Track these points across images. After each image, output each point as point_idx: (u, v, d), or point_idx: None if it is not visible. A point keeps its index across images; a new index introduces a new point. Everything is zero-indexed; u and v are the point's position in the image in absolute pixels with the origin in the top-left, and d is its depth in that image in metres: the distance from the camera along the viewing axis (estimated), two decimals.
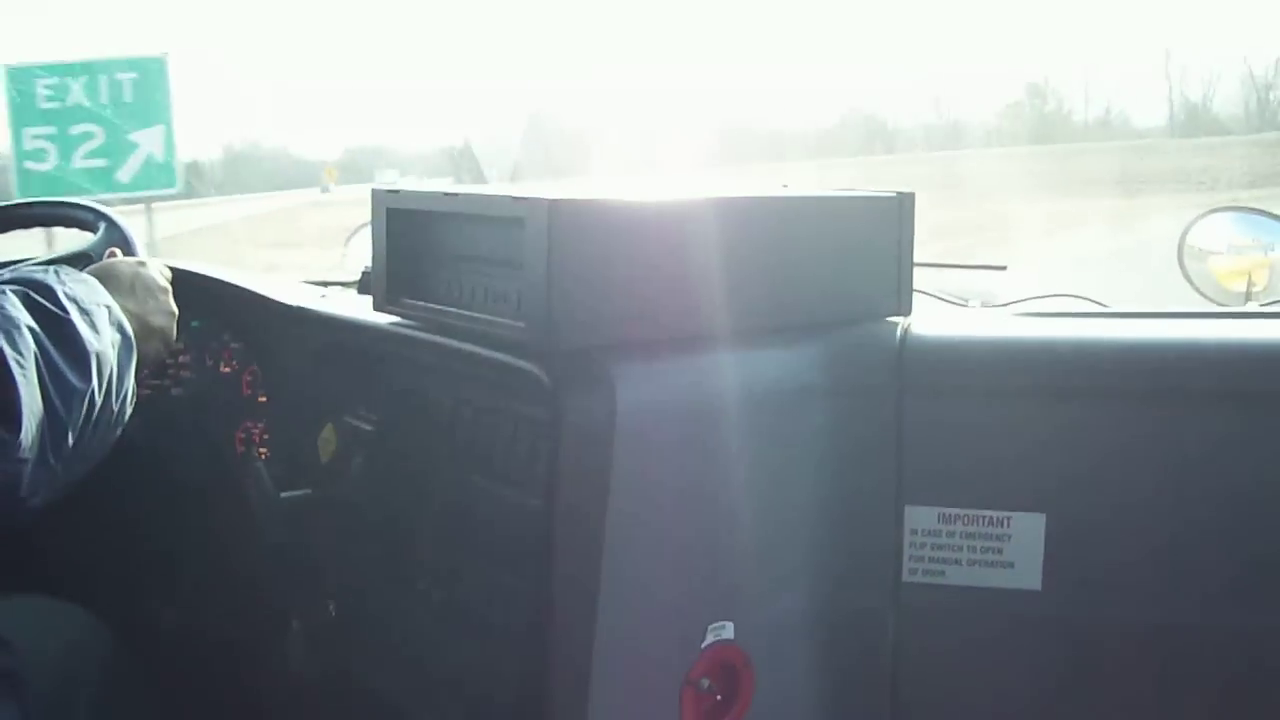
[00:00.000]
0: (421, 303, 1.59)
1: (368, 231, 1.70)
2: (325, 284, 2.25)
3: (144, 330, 1.53)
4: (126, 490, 1.94)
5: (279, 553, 1.82)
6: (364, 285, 1.86)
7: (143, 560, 2.11)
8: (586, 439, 1.33)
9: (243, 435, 2.15)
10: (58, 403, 1.29)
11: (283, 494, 1.70)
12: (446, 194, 1.54)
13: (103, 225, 1.95)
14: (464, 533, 1.59)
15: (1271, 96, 27.77)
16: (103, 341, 1.38)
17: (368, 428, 1.64)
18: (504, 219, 1.42)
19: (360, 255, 2.24)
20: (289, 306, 1.97)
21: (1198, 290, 2.15)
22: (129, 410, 1.44)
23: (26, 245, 2.20)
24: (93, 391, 1.34)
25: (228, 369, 2.18)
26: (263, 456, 2.10)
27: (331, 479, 1.71)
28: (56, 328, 1.33)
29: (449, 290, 1.55)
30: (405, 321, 1.62)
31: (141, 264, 1.64)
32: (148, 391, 2.17)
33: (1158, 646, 1.52)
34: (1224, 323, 1.63)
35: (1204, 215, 2.21)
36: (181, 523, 2.04)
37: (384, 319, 1.66)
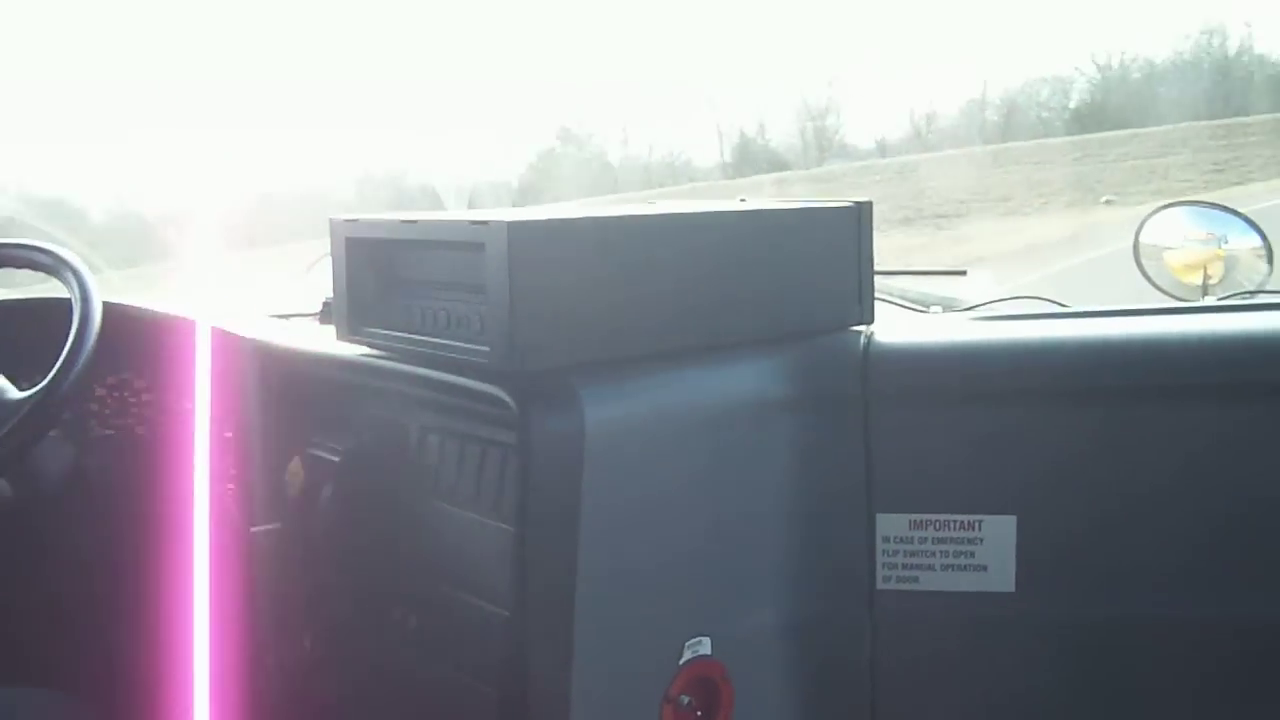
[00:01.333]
0: (384, 331, 1.58)
1: (328, 261, 1.70)
2: (287, 316, 2.24)
3: None
4: (94, 533, 1.93)
5: (251, 588, 1.81)
6: (326, 315, 1.86)
7: (113, 603, 2.09)
8: (555, 460, 1.33)
9: (209, 471, 2.14)
10: None
11: (253, 529, 1.69)
12: (405, 221, 1.53)
13: (65, 272, 1.92)
14: (436, 560, 1.58)
15: (827, 124, 27.73)
16: None
17: (335, 459, 1.63)
18: (463, 244, 1.42)
19: (321, 285, 2.23)
20: (252, 340, 1.96)
21: (1155, 286, 2.16)
22: None
23: None
24: None
25: (191, 404, 2.16)
26: (230, 492, 2.08)
27: (301, 512, 1.70)
28: None
29: (411, 317, 1.55)
30: (369, 350, 1.62)
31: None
32: (111, 432, 2.16)
33: (1133, 643, 1.52)
34: (1183, 318, 1.64)
35: (1157, 210, 2.23)
36: (151, 563, 2.03)
37: (347, 349, 1.66)
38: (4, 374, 1.87)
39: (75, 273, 1.84)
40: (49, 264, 1.91)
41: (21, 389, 1.77)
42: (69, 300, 1.81)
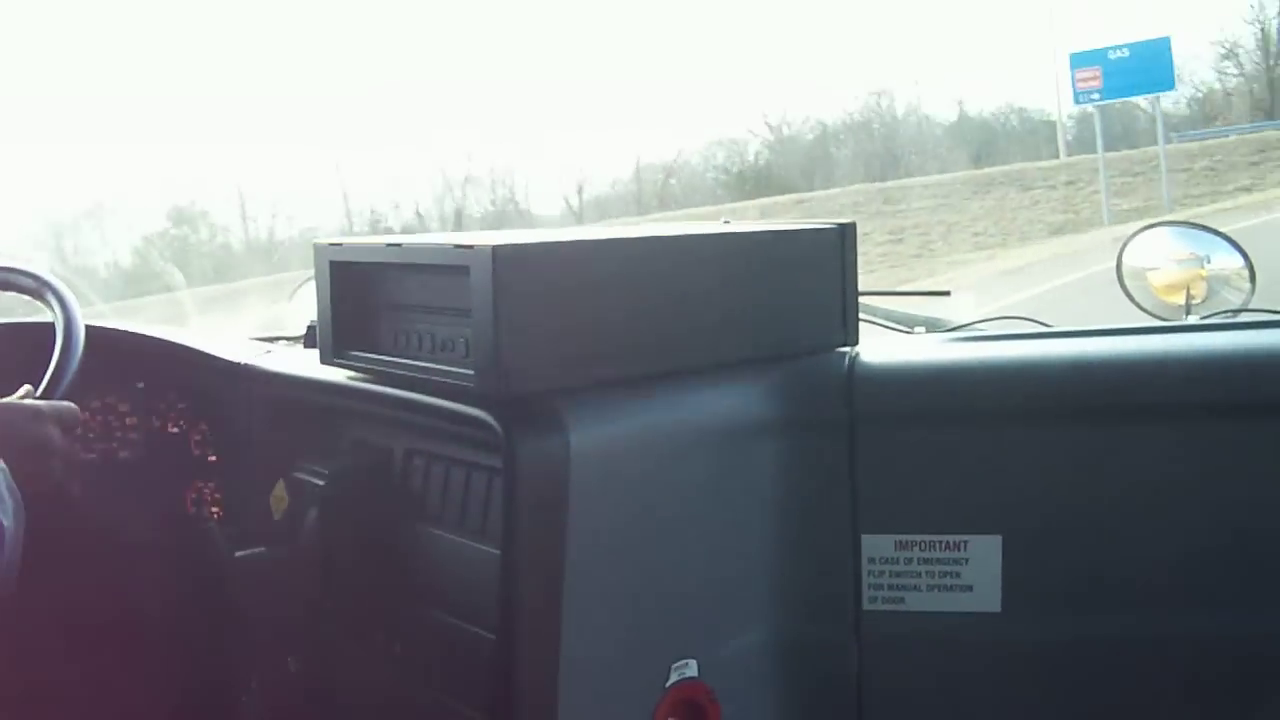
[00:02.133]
0: (369, 354, 1.58)
1: (312, 285, 1.70)
2: (272, 339, 2.23)
3: (21, 489, 1.42)
4: (77, 557, 1.92)
5: (236, 612, 1.80)
6: (310, 339, 1.85)
7: (99, 628, 2.08)
8: (541, 483, 1.33)
9: (193, 495, 2.14)
10: None
11: (237, 553, 1.69)
12: (390, 244, 1.54)
13: (47, 294, 1.91)
14: (422, 583, 1.58)
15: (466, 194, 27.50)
16: (14, 520, 1.36)
17: (319, 483, 1.63)
18: (448, 267, 1.42)
19: (305, 309, 2.23)
20: (235, 364, 1.96)
21: (1137, 305, 2.17)
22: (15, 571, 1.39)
23: None
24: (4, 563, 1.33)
25: (175, 429, 2.16)
26: (215, 516, 2.08)
27: (285, 536, 1.70)
28: None
29: (396, 341, 1.55)
30: (353, 374, 1.62)
31: (36, 415, 1.54)
32: (94, 456, 2.16)
33: (1119, 662, 1.53)
34: (1166, 337, 1.65)
35: (1140, 231, 2.23)
36: (136, 587, 2.02)
37: (331, 373, 1.65)
38: None
39: (58, 295, 1.83)
40: (31, 286, 1.90)
41: None
42: (51, 324, 1.80)
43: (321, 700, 1.75)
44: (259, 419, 1.90)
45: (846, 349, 1.63)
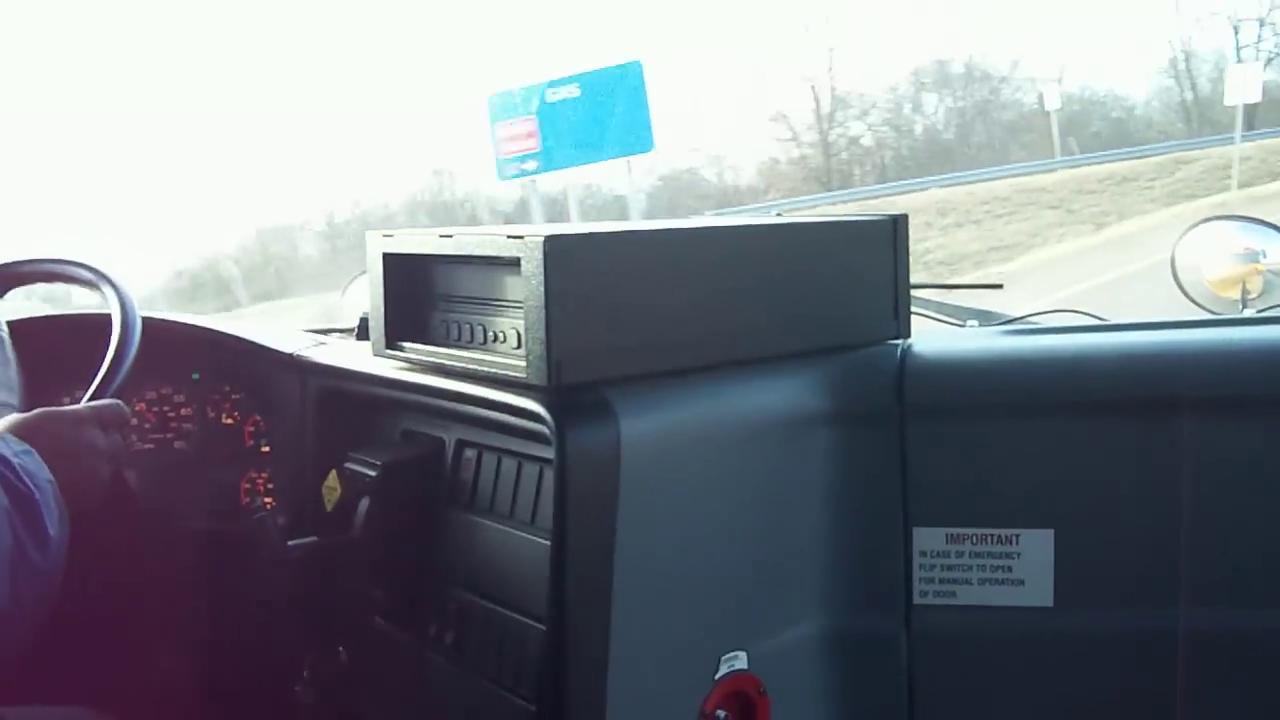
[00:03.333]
0: (421, 345, 1.59)
1: (365, 279, 1.71)
2: (325, 331, 2.25)
3: (71, 495, 1.45)
4: (133, 547, 1.94)
5: (289, 601, 1.82)
6: (363, 331, 1.87)
7: (155, 617, 2.10)
8: (591, 473, 1.33)
9: (247, 485, 2.16)
10: (22, 583, 1.29)
11: (290, 543, 1.70)
12: (442, 235, 1.54)
13: (105, 287, 1.93)
14: (473, 573, 1.59)
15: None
16: (58, 527, 1.37)
17: (371, 473, 1.64)
18: (500, 259, 1.43)
19: (358, 302, 2.25)
20: (288, 355, 1.98)
21: (1193, 300, 2.15)
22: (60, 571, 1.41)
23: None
24: (51, 571, 1.34)
25: (230, 420, 2.18)
26: (268, 506, 2.10)
27: (338, 526, 1.71)
28: (29, 510, 1.33)
29: (448, 332, 1.56)
30: (405, 365, 1.62)
31: (78, 421, 1.55)
32: (150, 446, 2.18)
33: (1172, 656, 1.51)
34: (1221, 330, 1.63)
35: (1195, 225, 2.22)
36: (190, 576, 2.04)
37: (383, 364, 1.66)
38: (48, 387, 1.89)
39: (115, 286, 1.86)
40: (89, 279, 1.92)
41: (63, 403, 1.79)
42: (108, 315, 1.82)
43: (372, 690, 1.76)
44: (312, 410, 1.91)
45: (898, 341, 1.62)
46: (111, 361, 1.75)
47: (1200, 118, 31.69)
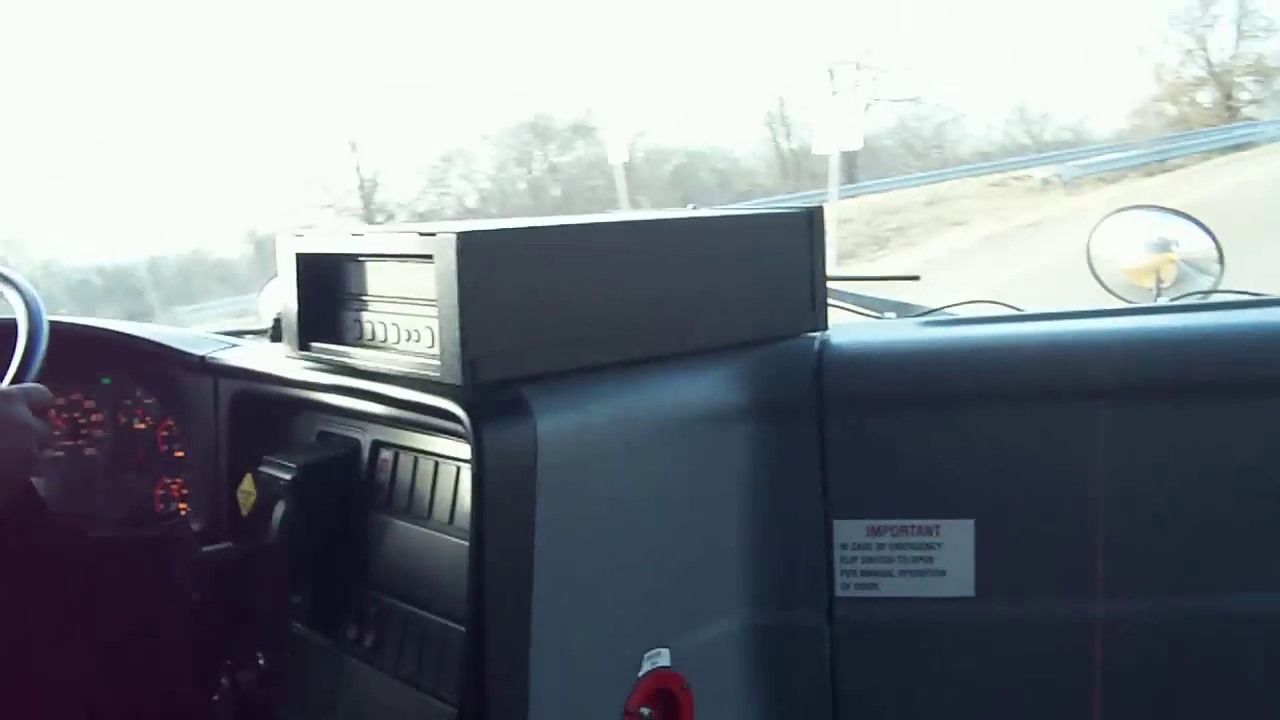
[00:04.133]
0: (334, 346, 1.57)
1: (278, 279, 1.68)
2: (239, 333, 2.22)
3: (3, 471, 1.45)
4: (43, 556, 1.90)
5: (205, 608, 1.79)
6: (276, 332, 1.84)
7: (67, 627, 2.06)
8: (509, 472, 1.32)
9: (161, 492, 2.12)
10: None
11: (205, 549, 1.67)
12: (354, 234, 1.52)
13: (10, 289, 1.88)
14: (391, 576, 1.57)
15: None
16: None
17: (286, 476, 1.62)
18: (412, 255, 1.41)
19: (273, 302, 2.22)
20: (200, 358, 1.94)
21: (1108, 290, 2.17)
22: None
23: None
24: None
25: (142, 425, 2.15)
26: (183, 512, 2.06)
27: (253, 530, 1.68)
28: None
29: (362, 331, 1.54)
30: (319, 366, 1.60)
31: (7, 398, 1.53)
32: (60, 453, 2.14)
33: (1093, 644, 1.52)
34: (1135, 319, 1.65)
35: (1109, 216, 2.24)
36: (102, 585, 2.00)
37: (297, 366, 1.64)
38: None
39: (19, 289, 1.82)
40: None
41: None
42: (13, 321, 1.78)
43: (293, 695, 1.73)
44: (225, 414, 1.88)
45: (816, 334, 1.62)
46: (23, 355, 1.71)
47: (799, 169, 28.36)
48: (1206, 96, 32.42)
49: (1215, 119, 31.17)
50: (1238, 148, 23.78)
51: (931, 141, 31.01)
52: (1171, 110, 32.49)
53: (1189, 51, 32.90)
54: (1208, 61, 32.62)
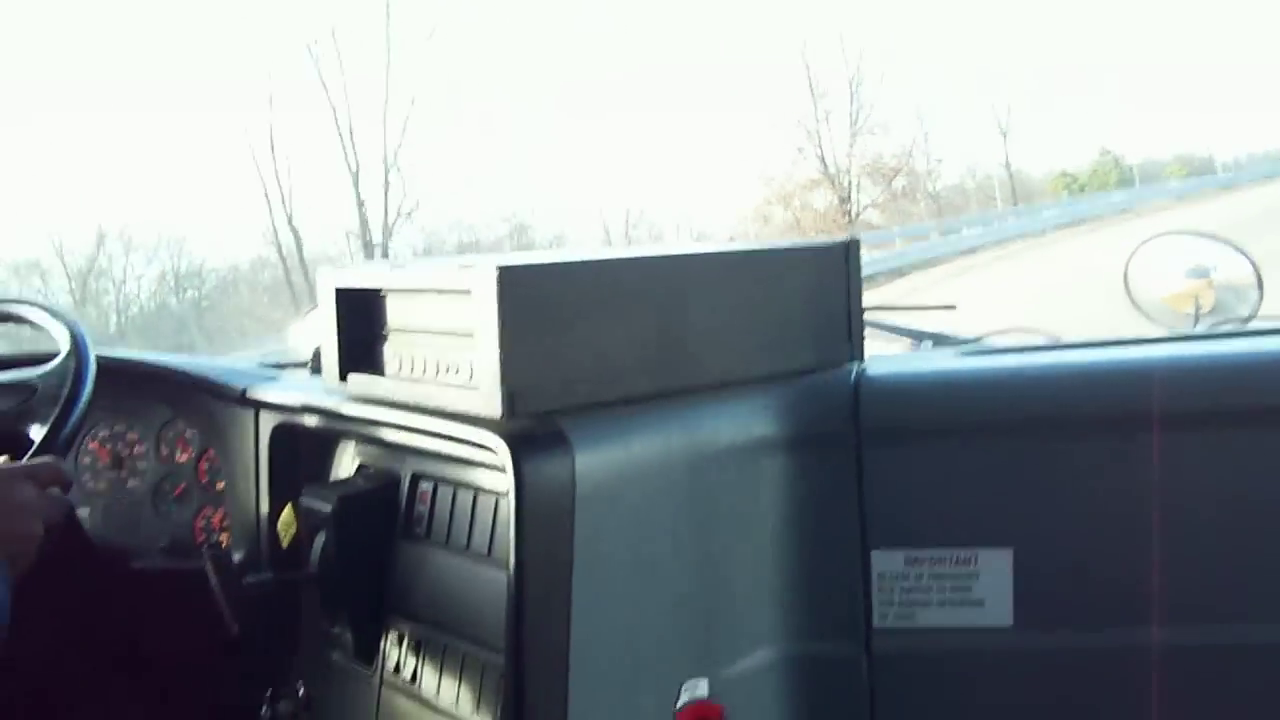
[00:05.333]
0: (374, 379, 1.58)
1: (317, 312, 1.70)
2: (279, 365, 2.24)
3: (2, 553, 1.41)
4: (88, 587, 1.92)
5: (246, 639, 1.80)
6: (316, 365, 1.86)
7: (110, 657, 2.08)
8: (547, 504, 1.33)
9: (202, 523, 2.14)
10: None
11: (246, 580, 1.69)
12: (394, 268, 1.54)
13: (59, 325, 1.88)
14: (430, 607, 1.58)
15: None
16: None
17: (327, 508, 1.63)
18: (451, 290, 1.42)
19: (311, 335, 2.23)
20: (241, 391, 1.96)
21: (1146, 316, 2.17)
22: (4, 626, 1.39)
23: None
24: None
25: (184, 457, 2.17)
26: (224, 543, 2.08)
27: (293, 562, 1.70)
28: None
29: (401, 365, 1.55)
30: (358, 399, 1.61)
31: (9, 478, 1.51)
32: (103, 485, 2.16)
33: (1132, 673, 1.52)
34: (1174, 346, 1.65)
35: (1145, 242, 2.23)
36: (146, 616, 2.02)
37: (337, 398, 1.65)
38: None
39: (68, 325, 1.84)
40: (42, 319, 1.91)
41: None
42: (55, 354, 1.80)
43: None
44: (266, 446, 1.90)
45: (853, 365, 1.62)
46: (68, 396, 1.72)
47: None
48: (821, 198, 30.00)
49: (832, 224, 29.05)
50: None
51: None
52: (781, 214, 30.09)
53: (800, 149, 30.95)
54: (821, 160, 30.73)
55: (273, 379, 2.01)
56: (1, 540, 1.41)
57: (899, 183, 31.72)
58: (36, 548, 1.48)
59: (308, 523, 1.67)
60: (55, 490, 1.55)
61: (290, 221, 25.42)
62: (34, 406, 1.77)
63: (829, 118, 31.37)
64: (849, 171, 31.10)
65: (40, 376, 1.81)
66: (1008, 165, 36.28)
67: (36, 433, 1.72)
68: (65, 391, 1.73)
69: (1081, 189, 38.15)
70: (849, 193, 30.61)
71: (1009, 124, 36.61)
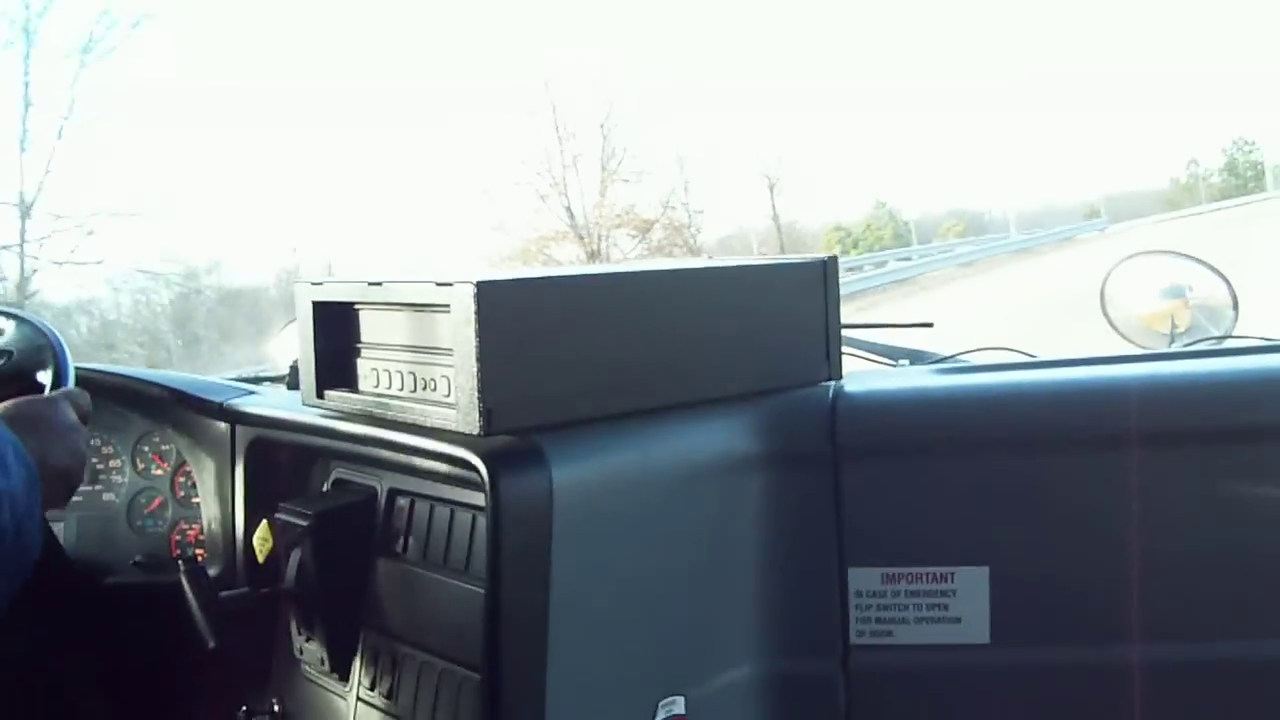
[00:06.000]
0: (351, 394, 1.58)
1: (295, 326, 1.69)
2: (256, 380, 2.23)
3: (47, 471, 1.42)
4: (62, 601, 1.91)
5: (221, 654, 1.79)
6: (293, 379, 1.85)
7: (84, 673, 2.07)
8: (525, 521, 1.32)
9: (178, 538, 2.13)
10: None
11: (221, 594, 1.68)
12: (371, 283, 1.53)
13: (13, 325, 1.90)
14: (406, 624, 1.57)
15: None
16: (12, 480, 1.35)
17: (303, 524, 1.62)
18: (429, 305, 1.42)
19: (289, 349, 2.23)
20: (218, 405, 1.95)
21: (1122, 335, 2.17)
22: (38, 546, 1.40)
23: None
24: (5, 530, 1.32)
25: (160, 471, 2.16)
26: (199, 558, 2.07)
27: (269, 577, 1.69)
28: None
29: (379, 380, 1.54)
30: (335, 414, 1.61)
31: (52, 401, 1.55)
32: (79, 499, 2.15)
33: (1108, 691, 1.52)
34: (1150, 365, 1.65)
35: (1122, 261, 2.24)
36: (120, 630, 2.01)
37: (314, 413, 1.65)
38: None
39: (47, 335, 1.83)
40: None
41: None
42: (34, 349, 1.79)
43: None
44: (242, 460, 1.89)
45: (830, 382, 1.63)
46: (56, 364, 1.73)
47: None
48: (567, 253, 26.11)
49: None
50: None
51: None
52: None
53: (544, 198, 26.47)
54: (568, 210, 26.54)
55: (250, 393, 2.00)
56: (57, 460, 1.44)
57: (657, 235, 27.08)
58: (82, 471, 1.50)
59: (284, 538, 1.67)
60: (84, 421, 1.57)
61: None
62: (21, 362, 1.78)
63: (577, 162, 27.02)
64: (598, 223, 26.77)
65: (8, 341, 1.81)
66: (776, 218, 32.19)
67: (44, 377, 1.74)
68: (47, 340, 1.74)
69: (855, 244, 36.31)
70: (598, 246, 26.43)
71: (779, 175, 31.96)
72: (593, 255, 25.65)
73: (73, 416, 1.53)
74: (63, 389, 1.62)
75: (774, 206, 31.93)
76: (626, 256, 25.92)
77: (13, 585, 1.34)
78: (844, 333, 1.67)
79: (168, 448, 2.15)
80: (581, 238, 26.39)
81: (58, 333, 1.80)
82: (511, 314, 1.35)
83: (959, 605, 1.55)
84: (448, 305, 1.36)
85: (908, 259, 28.96)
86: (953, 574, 1.55)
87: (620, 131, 27.09)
